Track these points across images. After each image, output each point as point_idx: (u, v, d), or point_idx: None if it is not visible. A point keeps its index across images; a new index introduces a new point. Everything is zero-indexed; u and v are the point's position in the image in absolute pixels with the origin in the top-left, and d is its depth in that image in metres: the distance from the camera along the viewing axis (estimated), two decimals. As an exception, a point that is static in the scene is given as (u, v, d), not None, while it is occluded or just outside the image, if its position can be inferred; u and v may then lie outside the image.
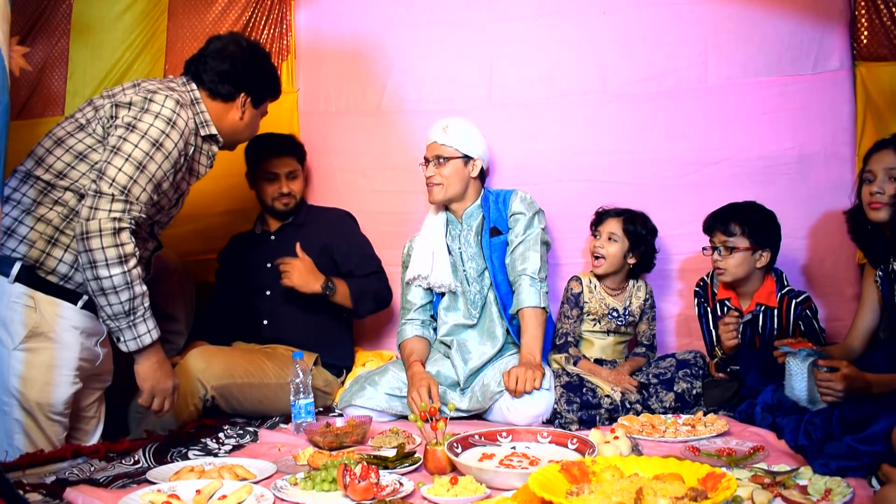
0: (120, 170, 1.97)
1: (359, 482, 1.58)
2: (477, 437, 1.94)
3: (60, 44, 3.04)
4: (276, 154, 2.80)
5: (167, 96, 2.07)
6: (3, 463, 1.83)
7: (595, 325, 2.67)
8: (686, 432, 2.09)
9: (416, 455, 1.86)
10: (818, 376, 2.01)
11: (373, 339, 3.10)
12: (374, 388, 2.47)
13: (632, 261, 2.65)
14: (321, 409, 2.54)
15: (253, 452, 2.06)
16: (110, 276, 1.93)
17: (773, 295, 2.48)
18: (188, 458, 1.98)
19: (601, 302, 2.67)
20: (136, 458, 1.96)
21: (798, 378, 2.06)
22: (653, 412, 2.35)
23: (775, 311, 2.47)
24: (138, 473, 1.83)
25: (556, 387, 2.35)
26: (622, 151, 2.87)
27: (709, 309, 2.60)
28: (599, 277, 2.69)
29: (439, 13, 3.02)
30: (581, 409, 2.31)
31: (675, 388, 2.41)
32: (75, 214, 2.01)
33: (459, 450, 1.84)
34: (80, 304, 2.06)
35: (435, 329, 2.67)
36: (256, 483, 1.71)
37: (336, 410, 2.57)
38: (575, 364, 2.54)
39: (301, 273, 2.64)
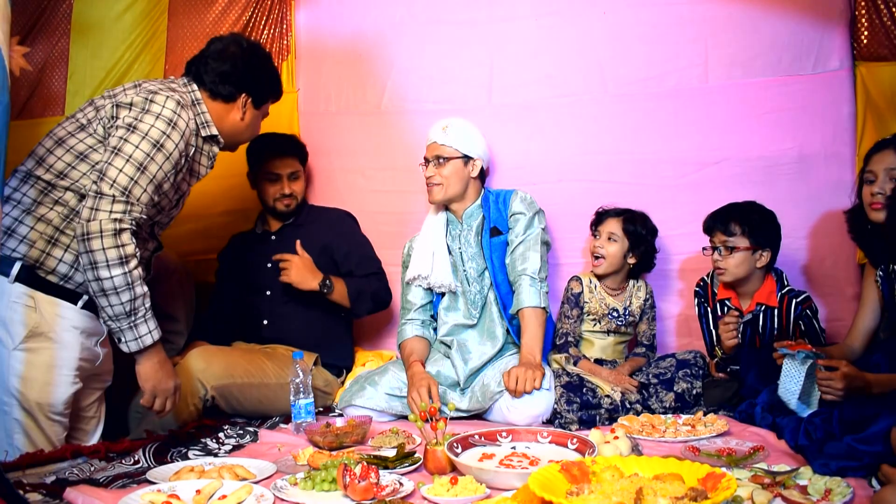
0: (121, 171, 1.97)
1: (359, 482, 1.58)
2: (477, 437, 1.94)
3: (60, 44, 3.04)
4: (278, 154, 2.79)
5: (168, 97, 2.07)
6: (3, 463, 1.82)
7: (595, 325, 2.67)
8: (686, 432, 2.09)
9: (416, 455, 1.86)
10: (819, 375, 2.00)
11: (373, 339, 3.10)
12: (374, 388, 2.47)
13: (632, 261, 2.65)
14: (321, 409, 2.54)
15: (253, 452, 2.06)
16: (111, 277, 1.93)
17: (774, 295, 2.48)
18: (188, 458, 1.98)
19: (601, 302, 2.67)
20: (136, 458, 1.96)
21: (793, 380, 2.06)
22: (653, 412, 2.35)
23: (775, 311, 2.47)
24: (138, 473, 1.83)
25: (556, 387, 2.35)
26: (622, 151, 2.87)
27: (709, 309, 2.60)
28: (599, 277, 2.69)
29: (439, 13, 3.02)
30: (581, 409, 2.31)
31: (675, 388, 2.41)
32: (76, 214, 2.02)
33: (459, 450, 1.84)
34: (80, 304, 2.06)
35: (435, 329, 2.67)
36: (256, 483, 1.71)
37: (336, 410, 2.57)
38: (575, 364, 2.54)
39: (299, 269, 2.64)
